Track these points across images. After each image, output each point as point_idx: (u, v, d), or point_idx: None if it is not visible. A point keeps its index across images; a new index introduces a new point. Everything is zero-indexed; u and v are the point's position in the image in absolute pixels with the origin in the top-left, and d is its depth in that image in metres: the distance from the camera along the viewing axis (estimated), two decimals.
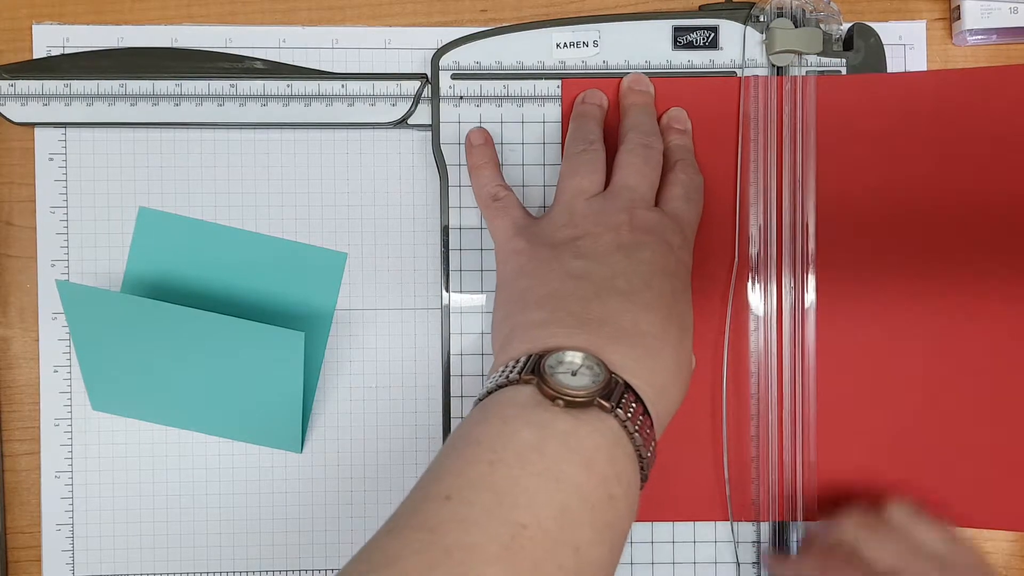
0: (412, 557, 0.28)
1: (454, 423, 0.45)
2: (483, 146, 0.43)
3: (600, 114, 0.43)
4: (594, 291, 0.35)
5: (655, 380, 0.34)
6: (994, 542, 0.46)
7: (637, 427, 0.32)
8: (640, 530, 0.45)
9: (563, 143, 0.44)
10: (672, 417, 0.36)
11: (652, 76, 0.44)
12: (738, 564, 0.45)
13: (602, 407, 0.32)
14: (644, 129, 0.42)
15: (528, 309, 0.36)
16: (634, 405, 0.32)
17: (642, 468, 0.33)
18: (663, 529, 0.45)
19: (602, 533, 0.31)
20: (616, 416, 0.32)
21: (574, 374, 0.32)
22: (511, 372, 0.33)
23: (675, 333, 0.35)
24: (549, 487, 0.30)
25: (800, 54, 0.44)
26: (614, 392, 0.32)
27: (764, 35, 0.44)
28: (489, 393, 0.34)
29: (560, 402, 0.31)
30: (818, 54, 0.44)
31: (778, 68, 0.44)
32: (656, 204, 0.41)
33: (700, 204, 0.42)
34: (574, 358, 0.33)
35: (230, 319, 0.42)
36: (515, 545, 0.29)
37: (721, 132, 0.44)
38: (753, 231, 0.44)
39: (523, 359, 0.33)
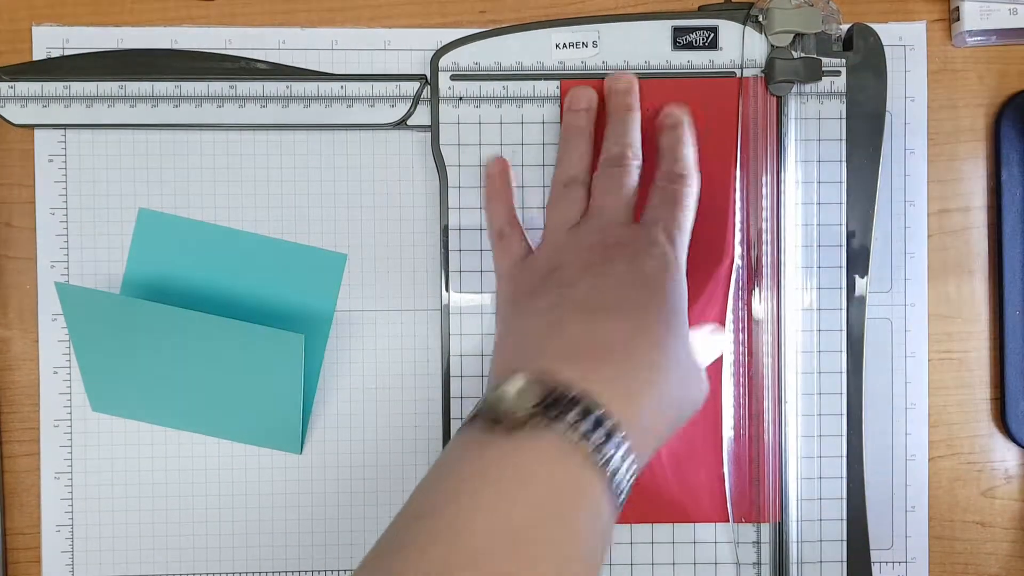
0: None
1: (454, 424, 0.45)
2: (499, 177, 0.44)
3: (588, 125, 0.43)
4: (558, 317, 0.35)
5: (618, 388, 0.32)
6: (994, 543, 0.46)
7: (592, 441, 0.31)
8: (640, 531, 0.45)
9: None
10: (669, 422, 0.35)
11: (650, 77, 0.44)
12: (738, 564, 0.45)
13: (545, 425, 0.31)
14: (618, 147, 0.42)
15: (504, 355, 0.37)
16: (586, 419, 0.31)
17: (612, 486, 0.31)
18: (663, 530, 0.45)
19: (563, 548, 0.29)
20: (558, 430, 0.30)
21: (519, 397, 0.32)
22: (471, 412, 0.33)
23: (646, 341, 0.34)
24: (502, 512, 0.29)
25: (799, 34, 0.44)
26: (558, 404, 0.31)
27: (763, 18, 0.44)
28: (460, 428, 0.34)
29: (500, 426, 0.31)
30: (817, 53, 0.44)
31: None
32: (639, 215, 0.41)
33: (686, 206, 0.41)
34: (516, 381, 0.32)
35: (229, 321, 0.42)
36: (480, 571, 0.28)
37: (720, 133, 0.44)
38: (753, 234, 0.44)
39: (484, 394, 0.34)
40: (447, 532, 0.29)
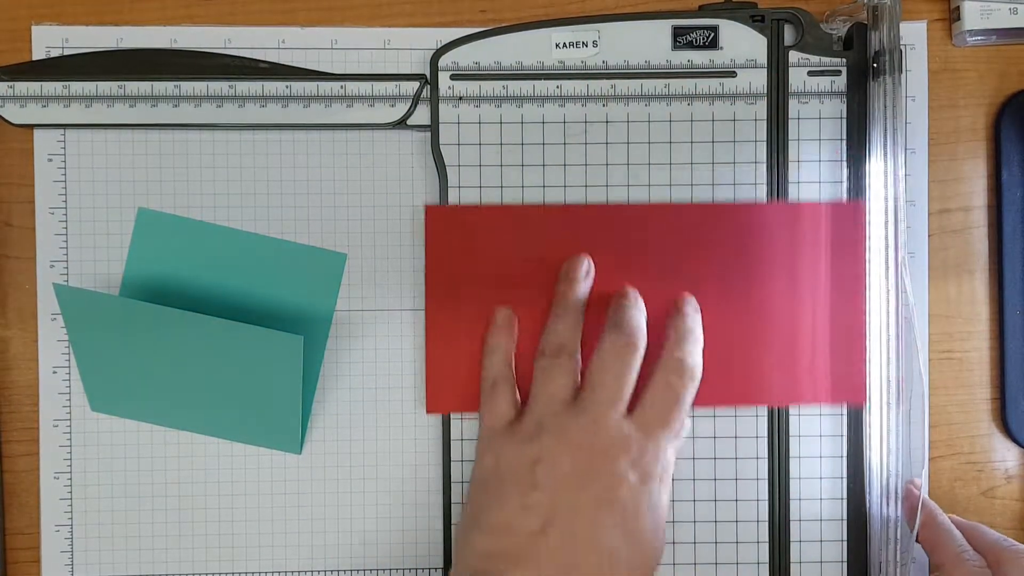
0: None
1: (453, 424, 0.45)
2: (504, 328, 0.43)
3: (582, 298, 0.43)
4: (540, 525, 0.38)
5: None
6: None
7: None
8: None
9: (427, 287, 0.44)
10: None
11: (649, 76, 0.44)
12: (738, 564, 0.45)
13: None
14: (627, 328, 0.41)
15: (481, 535, 0.39)
16: None
17: None
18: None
19: None
20: None
21: None
22: None
23: (611, 568, 0.38)
24: None
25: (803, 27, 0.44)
26: None
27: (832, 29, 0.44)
28: None
29: None
30: (819, 54, 0.44)
31: (778, 67, 0.44)
32: (632, 404, 0.40)
33: (684, 408, 0.41)
34: None
35: (228, 323, 0.42)
36: None
37: (848, 258, 0.44)
38: None
39: None
40: None
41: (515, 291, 0.44)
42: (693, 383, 0.41)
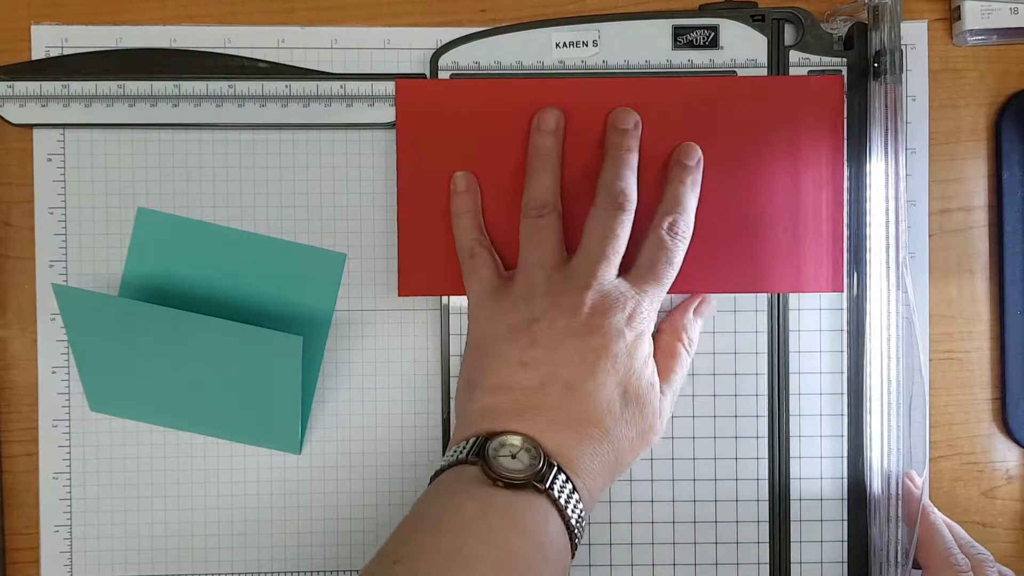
0: None
1: (453, 424, 0.44)
2: (465, 193, 0.44)
3: (556, 149, 0.43)
4: (540, 381, 0.39)
5: (585, 464, 0.38)
6: (996, 543, 0.46)
7: (567, 504, 0.37)
8: (640, 531, 0.45)
9: (399, 166, 0.44)
10: (610, 484, 0.40)
11: (649, 76, 0.44)
12: (739, 565, 0.45)
13: (536, 488, 0.37)
14: (613, 189, 0.41)
15: (482, 394, 0.40)
16: (567, 485, 0.37)
17: (572, 536, 0.37)
18: (664, 530, 0.45)
19: None
20: (548, 496, 0.37)
21: (514, 456, 0.37)
22: (461, 453, 0.38)
23: (611, 420, 0.39)
24: (488, 550, 0.35)
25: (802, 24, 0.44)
26: (547, 475, 0.37)
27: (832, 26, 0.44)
28: (443, 469, 0.38)
29: (500, 483, 0.36)
30: (819, 54, 0.44)
31: (779, 67, 0.44)
32: (626, 264, 0.41)
33: (676, 264, 0.42)
34: (514, 442, 0.38)
35: (227, 323, 0.42)
36: None
37: (827, 131, 0.44)
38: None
39: (472, 441, 0.38)
40: (453, 565, 0.34)
41: (491, 166, 0.43)
42: (684, 242, 0.42)
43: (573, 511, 0.37)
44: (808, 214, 0.44)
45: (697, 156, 0.43)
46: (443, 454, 0.44)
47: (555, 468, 0.37)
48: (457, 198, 0.44)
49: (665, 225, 0.42)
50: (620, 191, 0.41)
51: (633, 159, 0.43)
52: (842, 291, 0.45)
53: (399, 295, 0.44)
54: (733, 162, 0.44)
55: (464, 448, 0.38)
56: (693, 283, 0.44)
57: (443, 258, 0.44)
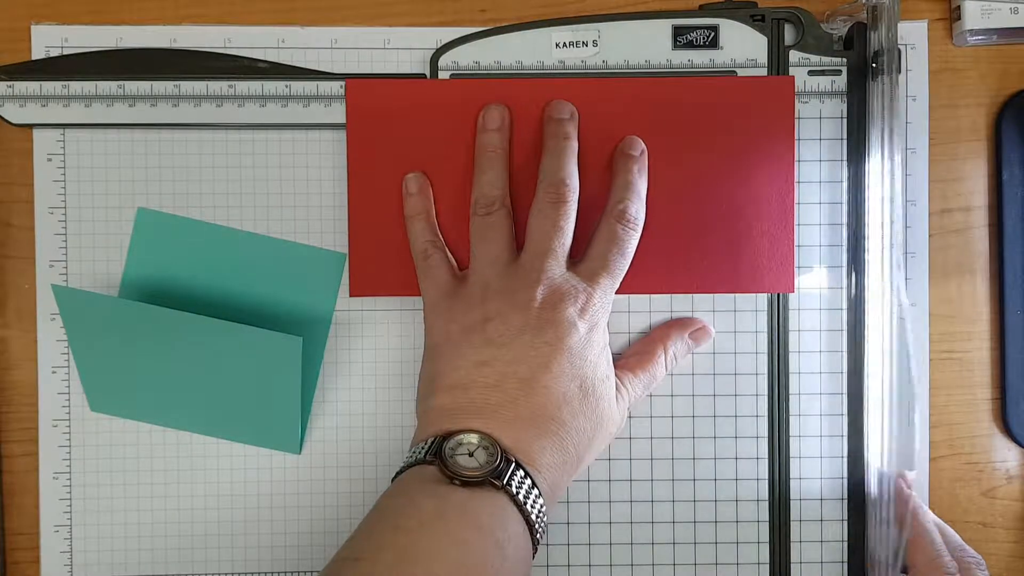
0: None
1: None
2: (417, 195, 0.43)
3: (502, 147, 0.43)
4: (496, 379, 0.39)
5: (545, 459, 0.38)
6: (996, 543, 0.46)
7: (526, 500, 0.37)
8: (641, 531, 0.45)
9: (349, 166, 0.44)
10: (573, 477, 0.40)
11: (649, 75, 0.44)
12: (739, 565, 0.45)
13: (493, 485, 0.37)
14: (554, 180, 0.41)
15: (439, 394, 0.40)
16: (525, 480, 0.37)
17: (533, 532, 0.38)
18: (664, 530, 0.45)
19: None
20: (506, 492, 0.37)
21: (471, 454, 0.38)
22: (420, 453, 0.38)
23: (568, 413, 0.39)
24: (445, 547, 0.35)
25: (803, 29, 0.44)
26: (504, 472, 0.37)
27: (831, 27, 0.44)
28: (403, 470, 0.39)
29: (457, 481, 0.37)
30: (819, 54, 0.44)
31: (778, 66, 0.44)
32: (576, 255, 0.41)
33: (628, 253, 0.42)
34: (471, 440, 0.38)
35: (227, 324, 0.42)
36: None
37: (778, 132, 0.44)
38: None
39: (430, 441, 0.38)
40: (410, 562, 0.34)
41: (443, 166, 0.43)
42: (636, 231, 0.42)
43: (533, 507, 0.37)
44: (759, 215, 0.44)
45: (641, 147, 0.43)
46: None
47: (513, 464, 0.37)
48: (409, 200, 0.43)
49: (615, 214, 0.41)
50: (560, 181, 0.41)
51: (572, 147, 0.42)
52: (792, 291, 0.44)
53: (350, 295, 0.44)
54: (685, 162, 0.44)
55: (423, 448, 0.38)
56: (645, 283, 0.44)
57: (395, 259, 0.44)
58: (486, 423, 0.38)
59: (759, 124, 0.44)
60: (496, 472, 0.37)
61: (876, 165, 0.43)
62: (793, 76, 0.44)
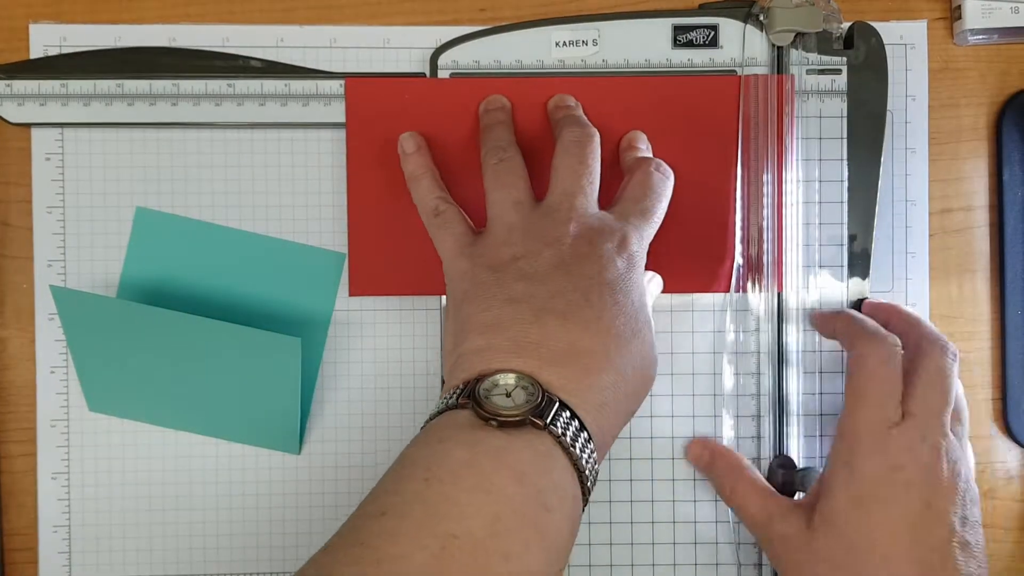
0: (343, 570, 0.30)
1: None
2: (416, 154, 0.42)
3: (507, 118, 0.43)
4: (533, 314, 0.35)
5: (592, 397, 0.35)
6: (996, 544, 0.46)
7: (573, 442, 0.33)
8: (641, 531, 0.45)
9: (348, 166, 0.43)
10: (622, 426, 0.37)
11: (649, 75, 0.44)
12: (739, 565, 0.45)
13: (534, 424, 0.33)
14: (577, 125, 0.41)
15: (471, 337, 0.36)
16: (572, 422, 0.33)
17: (583, 481, 0.34)
18: (664, 530, 0.45)
19: (535, 542, 0.32)
20: (550, 432, 0.33)
21: (508, 395, 0.34)
22: (451, 398, 0.35)
23: (614, 348, 0.35)
24: (480, 499, 0.31)
25: (800, 33, 0.43)
26: (547, 410, 0.33)
27: (764, 17, 0.43)
28: (432, 417, 0.35)
29: (494, 422, 0.33)
30: (818, 52, 0.44)
31: (778, 66, 0.44)
32: (607, 203, 0.40)
33: (660, 200, 0.40)
34: (508, 380, 0.34)
35: (225, 325, 0.41)
36: (445, 555, 0.30)
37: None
38: (753, 232, 0.44)
39: (462, 385, 0.35)
40: (441, 517, 0.31)
41: (442, 166, 0.43)
42: (670, 179, 0.41)
43: (582, 451, 0.33)
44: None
45: (646, 141, 0.43)
46: None
47: (556, 403, 0.33)
48: (410, 160, 0.42)
49: (644, 163, 0.41)
50: (583, 124, 0.40)
51: (584, 117, 0.42)
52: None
53: (350, 295, 0.44)
54: (685, 159, 0.44)
55: (454, 393, 0.35)
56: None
57: (395, 259, 0.44)
58: (524, 363, 0.34)
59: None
60: (538, 410, 0.33)
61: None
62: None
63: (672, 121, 0.44)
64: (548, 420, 0.33)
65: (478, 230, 0.40)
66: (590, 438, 0.34)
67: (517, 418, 0.33)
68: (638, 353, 0.36)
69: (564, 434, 0.33)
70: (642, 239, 0.39)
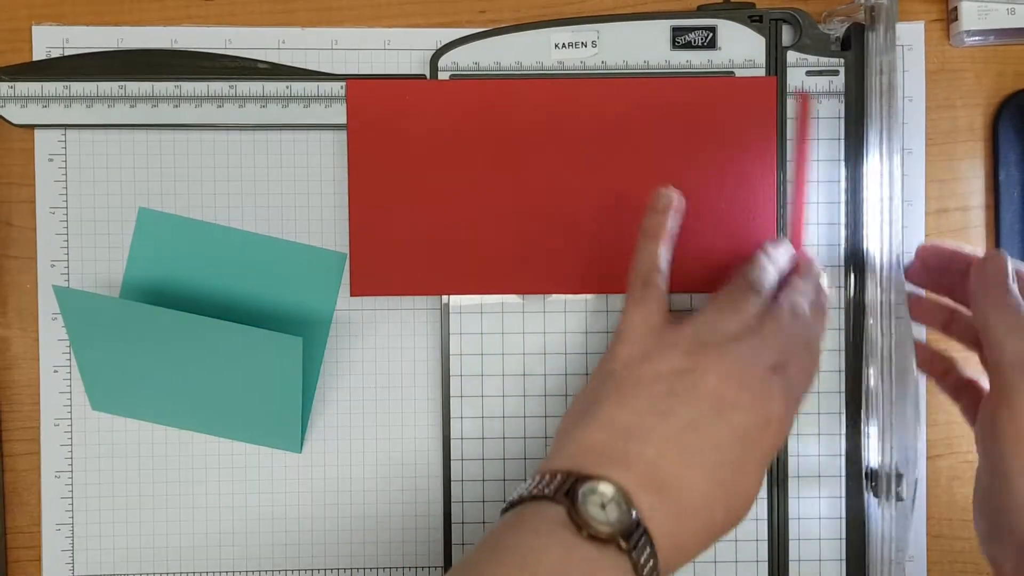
0: None
1: (453, 423, 0.45)
2: (663, 214, 0.41)
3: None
4: (662, 435, 0.35)
5: (677, 538, 0.35)
6: None
7: (646, 572, 0.34)
8: None
9: (350, 167, 0.43)
10: (683, 566, 0.37)
11: (649, 75, 0.44)
12: (738, 563, 0.45)
13: (619, 548, 0.33)
14: (805, 290, 0.41)
15: (593, 426, 0.36)
16: (648, 551, 0.34)
17: None
18: None
19: None
20: (630, 559, 0.33)
21: (603, 507, 0.34)
22: (547, 487, 0.35)
23: (719, 503, 0.36)
24: None
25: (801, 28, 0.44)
26: (633, 536, 0.33)
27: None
28: (521, 500, 0.35)
29: (584, 532, 0.33)
30: (817, 54, 0.45)
31: (776, 67, 0.45)
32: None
33: (818, 351, 0.40)
34: (606, 490, 0.34)
35: (227, 324, 0.42)
36: None
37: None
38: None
39: (560, 477, 0.35)
40: None
41: (446, 168, 0.43)
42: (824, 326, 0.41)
43: None
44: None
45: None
46: (441, 460, 0.45)
47: (643, 531, 0.34)
48: (654, 217, 0.41)
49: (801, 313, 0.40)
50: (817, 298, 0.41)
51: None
52: None
53: (351, 295, 0.44)
54: (669, 164, 0.44)
55: (551, 482, 0.35)
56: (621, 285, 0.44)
57: (396, 259, 0.44)
58: (629, 478, 0.34)
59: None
60: (627, 533, 0.33)
61: (875, 167, 0.43)
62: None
63: (675, 122, 0.44)
64: (634, 545, 0.33)
65: (672, 315, 0.40)
66: (658, 568, 0.34)
67: (608, 535, 0.33)
68: (736, 511, 0.36)
69: (644, 566, 0.33)
70: (797, 403, 0.39)
